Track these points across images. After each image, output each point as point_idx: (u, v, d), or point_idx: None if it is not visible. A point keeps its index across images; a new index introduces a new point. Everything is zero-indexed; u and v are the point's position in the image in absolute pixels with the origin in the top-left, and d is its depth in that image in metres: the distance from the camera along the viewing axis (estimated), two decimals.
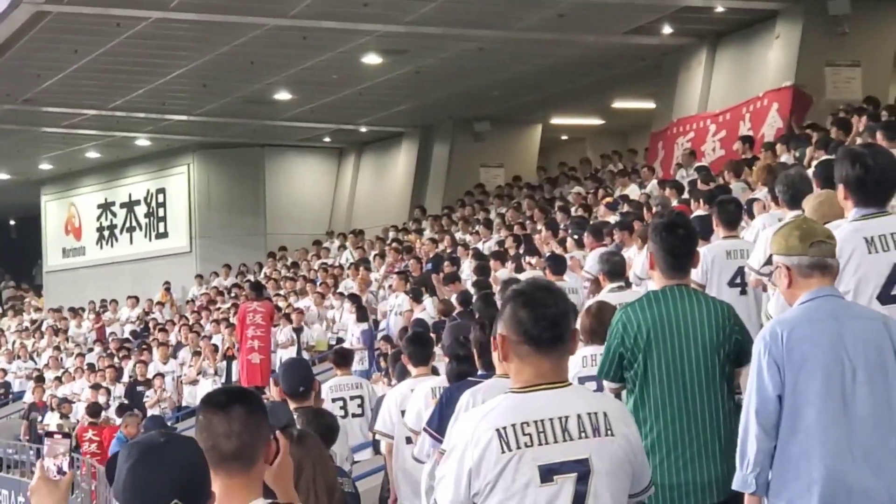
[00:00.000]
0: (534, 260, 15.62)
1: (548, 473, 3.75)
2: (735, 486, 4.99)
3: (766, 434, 4.84)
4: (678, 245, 5.80)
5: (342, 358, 12.94)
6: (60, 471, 3.74)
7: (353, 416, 11.90)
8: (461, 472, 3.77)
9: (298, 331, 21.69)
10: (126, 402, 22.05)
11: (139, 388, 22.85)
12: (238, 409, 3.59)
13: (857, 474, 4.80)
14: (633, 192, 20.55)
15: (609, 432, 3.83)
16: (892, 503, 4.86)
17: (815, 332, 4.85)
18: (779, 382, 4.82)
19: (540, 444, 3.76)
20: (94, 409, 21.35)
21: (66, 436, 3.86)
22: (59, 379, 26.04)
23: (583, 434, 3.80)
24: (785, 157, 16.41)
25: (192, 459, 3.21)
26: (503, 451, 3.75)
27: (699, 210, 12.60)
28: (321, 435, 6.95)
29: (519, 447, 3.75)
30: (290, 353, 20.69)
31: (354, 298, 20.89)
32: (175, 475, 3.15)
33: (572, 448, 3.78)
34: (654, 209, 15.25)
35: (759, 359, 4.86)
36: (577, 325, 7.18)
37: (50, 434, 3.91)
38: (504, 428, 3.76)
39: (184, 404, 22.17)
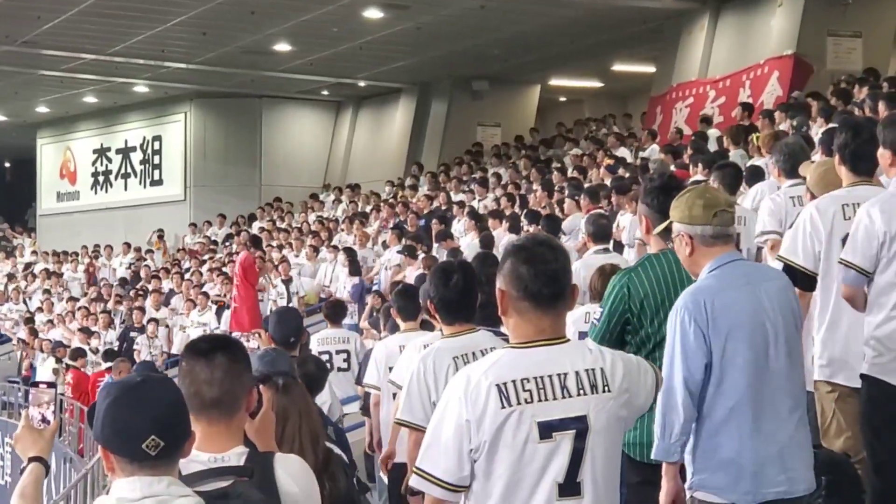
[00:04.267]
0: (532, 228, 15.55)
1: (546, 430, 3.75)
2: (656, 455, 4.90)
3: (692, 402, 4.78)
4: None
5: (334, 312, 12.91)
6: (45, 420, 3.80)
7: (339, 370, 11.87)
8: (460, 423, 3.74)
9: (287, 282, 21.64)
10: (115, 347, 22.07)
11: (132, 335, 22.84)
12: (221, 356, 3.62)
13: (776, 442, 4.77)
14: (625, 155, 20.47)
15: (606, 388, 3.83)
16: (808, 470, 4.86)
17: (737, 298, 4.82)
18: (707, 350, 4.77)
19: (540, 400, 3.75)
20: (75, 354, 21.39)
21: (52, 385, 3.91)
22: (50, 322, 26.05)
23: (581, 391, 3.79)
24: (783, 126, 16.39)
25: (170, 398, 3.26)
26: (503, 407, 3.73)
27: (698, 175, 12.61)
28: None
29: (519, 403, 3.74)
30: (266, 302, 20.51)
31: (349, 252, 20.84)
32: (153, 413, 3.20)
33: (571, 405, 3.78)
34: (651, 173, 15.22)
35: (684, 327, 4.79)
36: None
37: (35, 383, 3.96)
38: (504, 383, 3.75)
39: (174, 352, 22.14)
